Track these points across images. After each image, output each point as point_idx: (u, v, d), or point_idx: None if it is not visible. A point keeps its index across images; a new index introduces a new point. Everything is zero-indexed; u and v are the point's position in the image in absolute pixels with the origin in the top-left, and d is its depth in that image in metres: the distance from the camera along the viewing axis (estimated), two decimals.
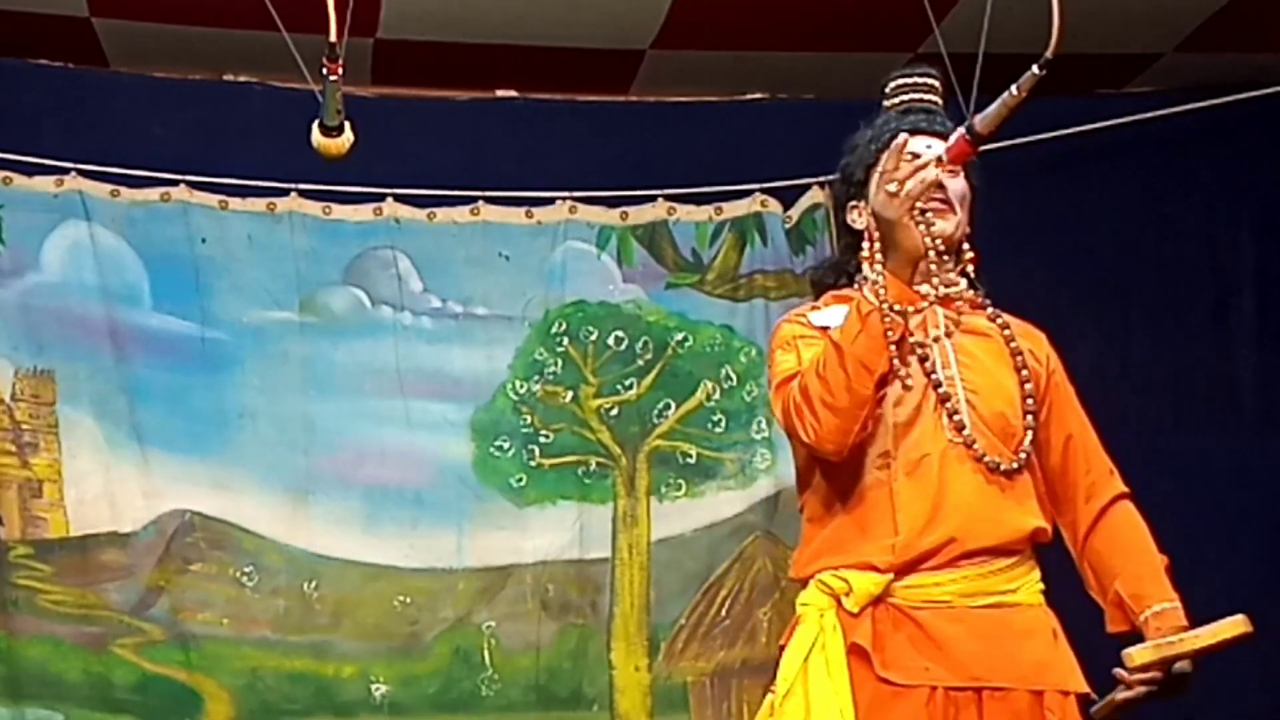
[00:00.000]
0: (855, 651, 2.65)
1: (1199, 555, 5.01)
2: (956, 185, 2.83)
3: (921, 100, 2.91)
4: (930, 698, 2.62)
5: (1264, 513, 5.14)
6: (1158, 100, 5.18)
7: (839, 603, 2.68)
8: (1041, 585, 2.78)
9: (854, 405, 2.62)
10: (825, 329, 2.75)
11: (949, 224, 2.79)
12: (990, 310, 2.88)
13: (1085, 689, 2.71)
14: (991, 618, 2.69)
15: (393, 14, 4.77)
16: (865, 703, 2.62)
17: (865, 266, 2.79)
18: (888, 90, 2.95)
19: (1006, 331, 2.87)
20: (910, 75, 2.94)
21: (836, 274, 2.94)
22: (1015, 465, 2.74)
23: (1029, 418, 2.79)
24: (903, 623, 2.67)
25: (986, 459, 2.71)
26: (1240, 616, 2.74)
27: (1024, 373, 2.82)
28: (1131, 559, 2.87)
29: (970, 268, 2.88)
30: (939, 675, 2.63)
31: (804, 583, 2.80)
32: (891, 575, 2.67)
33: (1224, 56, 5.05)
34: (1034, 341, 2.93)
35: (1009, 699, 2.64)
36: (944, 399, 2.74)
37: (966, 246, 2.87)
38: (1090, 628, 2.84)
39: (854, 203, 2.89)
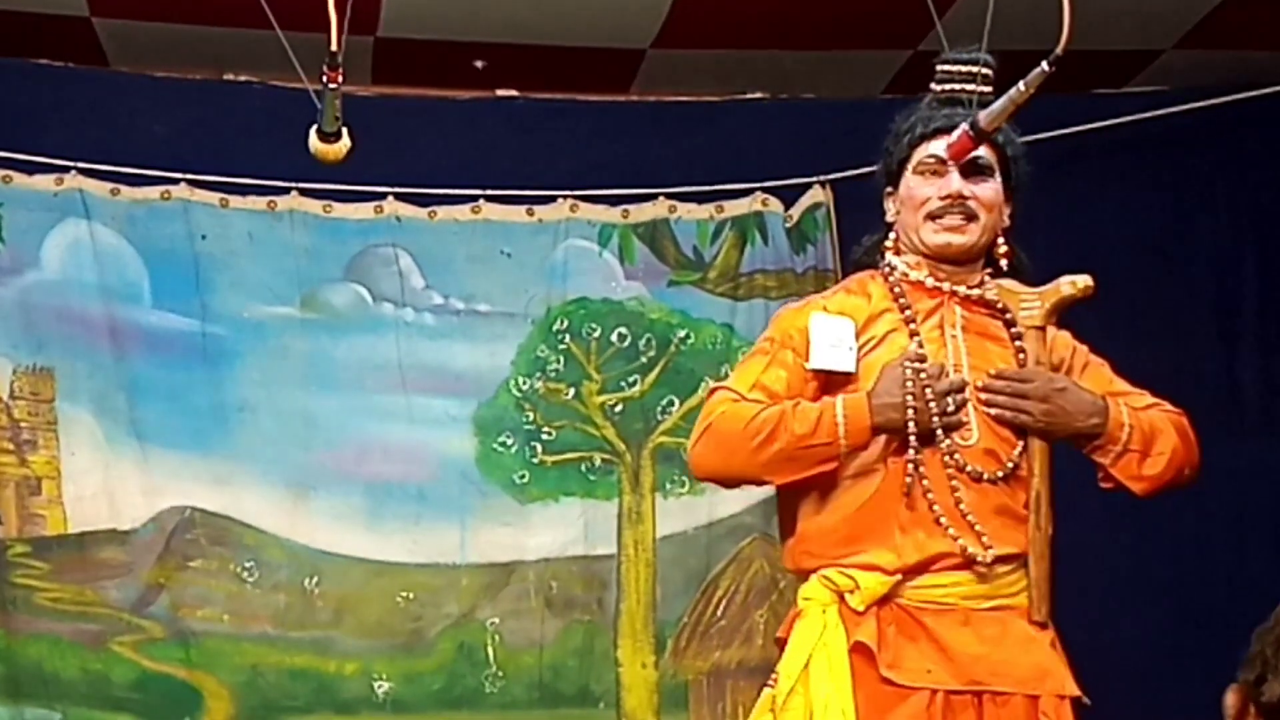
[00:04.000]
0: (858, 650, 2.63)
1: (1206, 557, 5.04)
2: (984, 191, 2.80)
3: (965, 91, 2.82)
4: (931, 701, 2.61)
5: (1269, 514, 5.13)
6: (1157, 100, 5.17)
7: (842, 599, 2.66)
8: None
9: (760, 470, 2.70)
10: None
11: (968, 236, 2.79)
12: (1008, 316, 2.83)
13: (1078, 692, 2.69)
14: (997, 621, 2.68)
15: (392, 12, 4.77)
16: (865, 702, 2.60)
17: (889, 255, 2.85)
18: (936, 74, 2.88)
19: (1019, 342, 2.81)
20: (958, 62, 2.85)
21: (874, 253, 2.93)
22: (1004, 474, 2.70)
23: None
24: (907, 623, 2.65)
25: (972, 468, 2.68)
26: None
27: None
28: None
29: (1004, 263, 2.86)
30: (940, 678, 2.62)
31: (800, 574, 2.78)
32: (899, 576, 2.66)
33: (1224, 53, 5.04)
34: (1052, 345, 2.88)
35: (1008, 704, 2.63)
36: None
37: (1001, 241, 2.86)
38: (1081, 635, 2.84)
39: (889, 189, 2.89)
